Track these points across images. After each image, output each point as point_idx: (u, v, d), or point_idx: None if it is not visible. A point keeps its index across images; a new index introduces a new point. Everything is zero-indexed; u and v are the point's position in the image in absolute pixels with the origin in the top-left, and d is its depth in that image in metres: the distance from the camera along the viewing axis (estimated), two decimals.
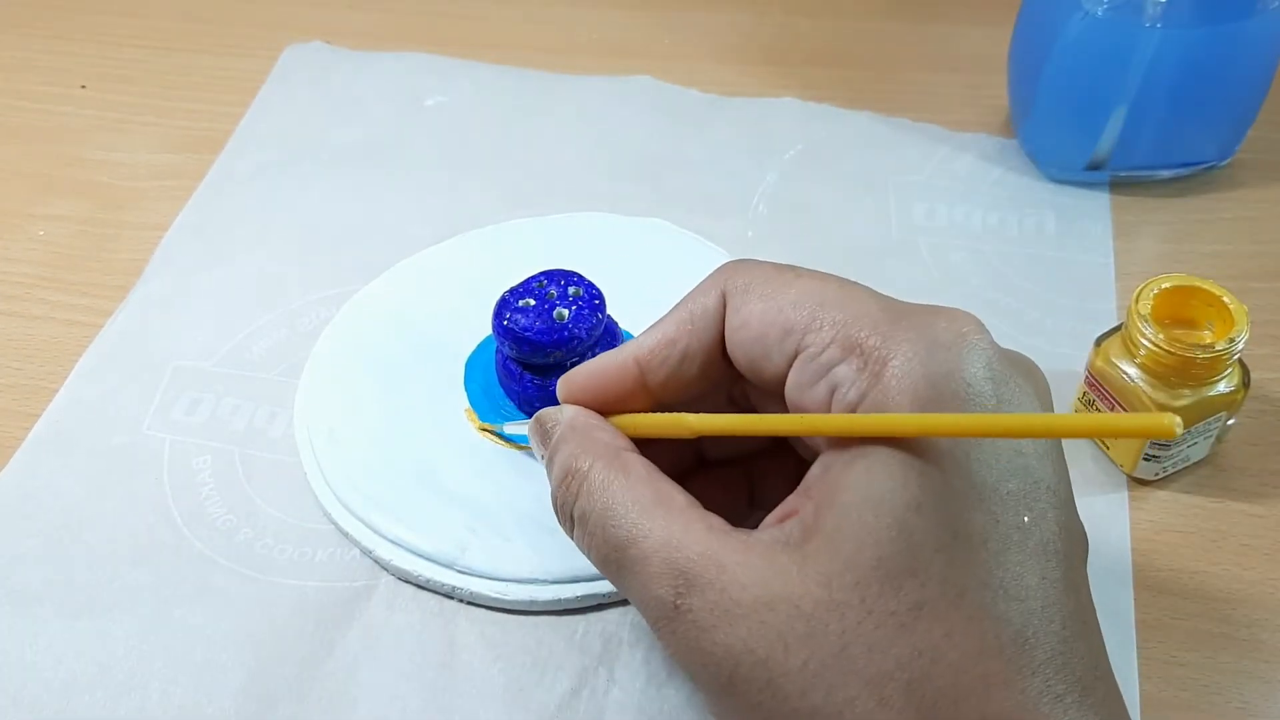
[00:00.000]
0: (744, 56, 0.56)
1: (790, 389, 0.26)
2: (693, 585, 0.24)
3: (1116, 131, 0.45)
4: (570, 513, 0.28)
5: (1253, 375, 0.37)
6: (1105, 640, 0.25)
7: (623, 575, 0.26)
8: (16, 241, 0.47)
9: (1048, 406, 0.26)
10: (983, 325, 0.25)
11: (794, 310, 0.26)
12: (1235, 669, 0.33)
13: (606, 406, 0.29)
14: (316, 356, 0.41)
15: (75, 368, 0.41)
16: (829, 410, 0.25)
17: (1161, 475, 0.37)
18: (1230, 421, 0.37)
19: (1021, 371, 0.25)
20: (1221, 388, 0.35)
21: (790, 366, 0.26)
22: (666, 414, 0.28)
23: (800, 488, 0.25)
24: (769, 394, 0.28)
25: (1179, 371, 0.35)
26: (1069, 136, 0.47)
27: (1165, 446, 0.36)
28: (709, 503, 0.27)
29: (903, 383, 0.24)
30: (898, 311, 0.25)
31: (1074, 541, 0.24)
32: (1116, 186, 0.48)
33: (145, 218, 0.48)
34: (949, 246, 0.46)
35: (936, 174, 0.49)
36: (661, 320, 0.29)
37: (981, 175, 0.49)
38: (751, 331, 0.27)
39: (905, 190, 0.48)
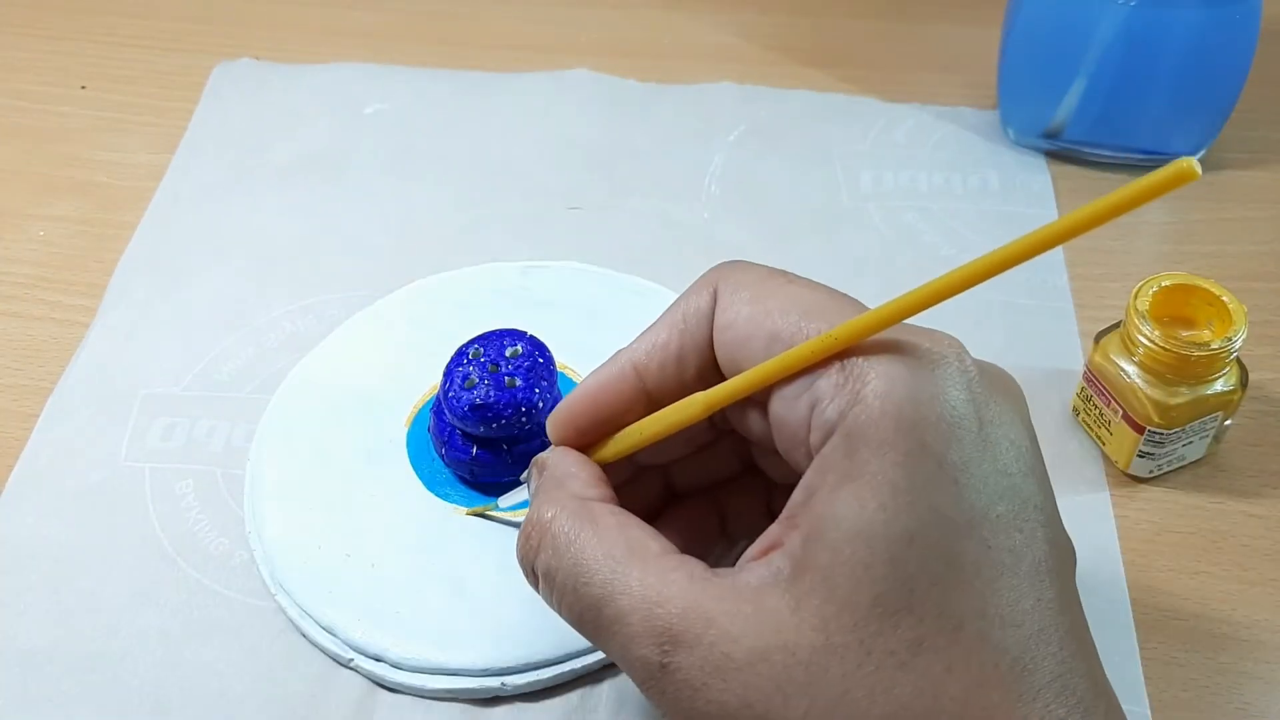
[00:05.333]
0: (746, 55, 0.56)
1: (774, 400, 0.26)
2: (679, 642, 0.23)
3: (1075, 102, 0.46)
4: (533, 567, 0.26)
5: (1252, 375, 0.37)
6: (1105, 641, 0.25)
7: (600, 635, 0.25)
8: (16, 241, 0.47)
9: (1028, 424, 0.25)
10: (963, 347, 0.25)
11: (781, 317, 0.25)
12: (1235, 669, 0.33)
13: (610, 421, 0.28)
14: (256, 458, 0.38)
15: (43, 409, 0.40)
16: (809, 429, 0.24)
17: (1156, 473, 0.37)
18: (1228, 423, 0.37)
19: (1000, 390, 0.25)
20: (1219, 386, 0.35)
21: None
22: (672, 404, 0.27)
23: (783, 515, 0.24)
24: (752, 404, 0.27)
25: (1176, 369, 0.35)
26: (1031, 98, 0.48)
27: (1160, 444, 0.36)
28: (681, 536, 0.25)
29: (885, 404, 0.23)
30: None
31: (1063, 557, 0.24)
32: (1112, 176, 0.48)
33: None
34: (900, 209, 0.47)
35: (878, 143, 0.50)
36: (654, 324, 0.28)
37: (921, 140, 0.51)
38: (737, 334, 0.26)
39: (850, 160, 0.50)
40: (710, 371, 0.27)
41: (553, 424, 0.29)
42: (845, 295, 0.26)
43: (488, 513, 0.36)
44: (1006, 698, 0.22)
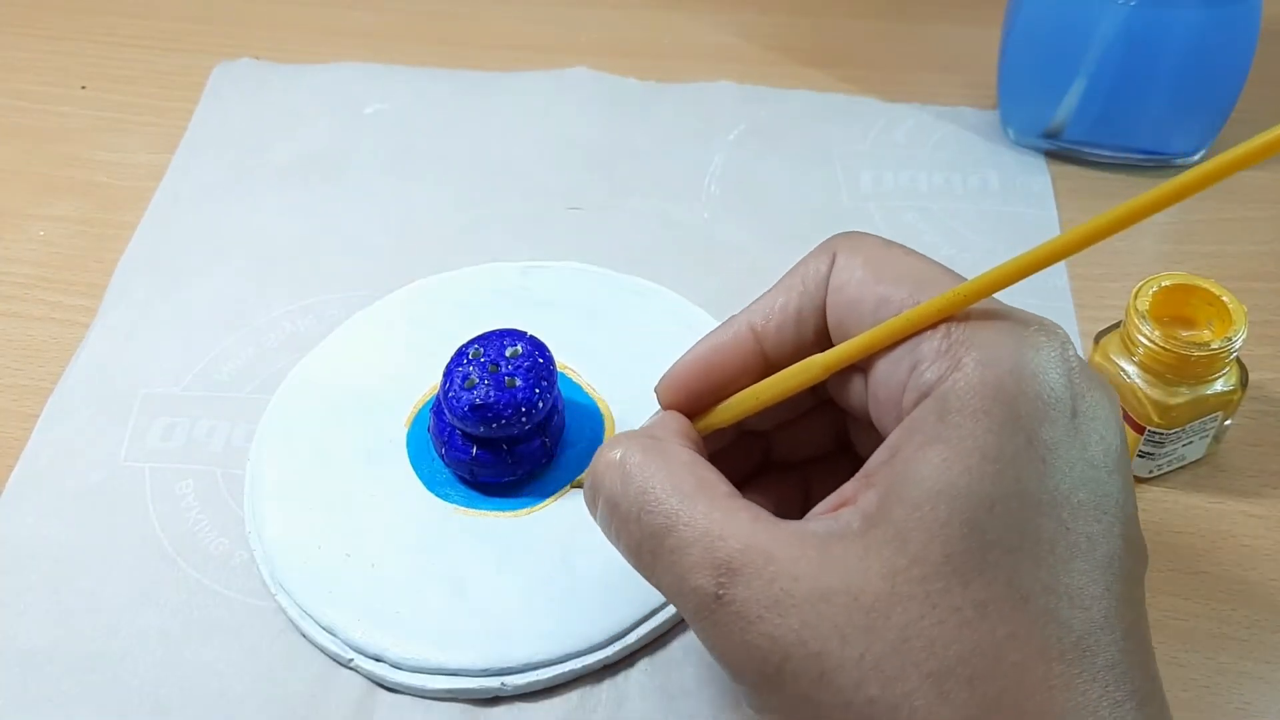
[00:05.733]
0: (746, 55, 0.56)
1: (877, 362, 0.26)
2: (737, 574, 0.23)
3: (1075, 102, 0.46)
4: (598, 497, 0.27)
5: (1252, 375, 0.37)
6: None
7: (657, 565, 0.25)
8: (16, 241, 0.47)
9: (1120, 427, 0.25)
10: (1069, 338, 0.25)
11: (894, 283, 0.26)
12: (1235, 669, 0.33)
13: (723, 386, 0.28)
14: (256, 458, 0.38)
15: (43, 409, 0.40)
16: (904, 390, 0.24)
17: (1156, 473, 0.37)
18: (1228, 423, 0.37)
19: (1099, 387, 0.25)
20: (1219, 386, 0.35)
21: None
22: (789, 368, 0.27)
23: (861, 473, 0.24)
24: (854, 369, 0.27)
25: (1176, 369, 0.35)
26: (1031, 98, 0.48)
27: (1160, 444, 0.36)
28: (764, 506, 0.26)
29: (985, 373, 0.23)
30: (992, 306, 0.25)
31: (1136, 560, 0.24)
32: (1112, 176, 0.48)
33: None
34: (900, 209, 0.48)
35: (878, 143, 0.50)
36: (769, 290, 0.28)
37: (921, 140, 0.51)
38: (848, 295, 0.26)
39: (850, 160, 0.50)
40: (827, 335, 0.27)
41: (662, 387, 0.29)
42: (956, 274, 0.26)
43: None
44: (1067, 671, 0.22)
